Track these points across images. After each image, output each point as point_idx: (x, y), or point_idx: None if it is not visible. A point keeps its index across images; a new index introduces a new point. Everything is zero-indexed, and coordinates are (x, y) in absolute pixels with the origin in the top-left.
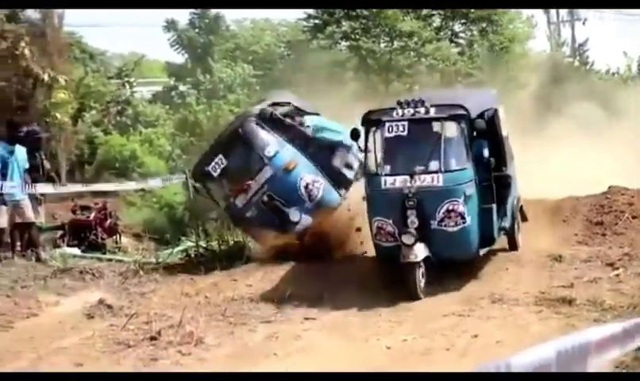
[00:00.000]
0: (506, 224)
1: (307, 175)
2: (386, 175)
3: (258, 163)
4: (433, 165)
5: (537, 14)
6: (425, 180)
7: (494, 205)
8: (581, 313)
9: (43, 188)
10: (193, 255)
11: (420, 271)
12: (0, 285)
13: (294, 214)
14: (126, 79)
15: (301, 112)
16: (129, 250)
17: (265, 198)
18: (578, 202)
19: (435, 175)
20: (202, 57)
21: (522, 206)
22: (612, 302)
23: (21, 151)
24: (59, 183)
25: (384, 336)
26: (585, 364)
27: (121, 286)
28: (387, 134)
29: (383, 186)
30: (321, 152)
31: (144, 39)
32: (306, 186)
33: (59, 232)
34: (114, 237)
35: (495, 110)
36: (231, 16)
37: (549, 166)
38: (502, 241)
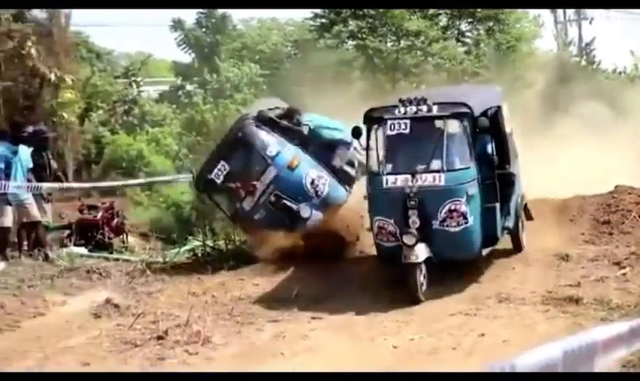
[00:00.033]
0: (510, 223)
1: (312, 171)
2: (387, 173)
3: (261, 164)
4: (435, 164)
5: (544, 14)
6: (426, 179)
7: (497, 204)
8: (588, 312)
9: (47, 187)
10: (200, 255)
11: (421, 272)
12: (7, 284)
13: (305, 210)
14: (133, 79)
15: (297, 112)
16: (136, 249)
17: (272, 198)
18: (585, 201)
19: (437, 175)
20: (208, 56)
21: (526, 205)
22: (619, 301)
23: (24, 151)
24: (65, 182)
25: (391, 335)
26: (592, 364)
27: (128, 286)
28: (388, 132)
29: (384, 186)
30: (321, 150)
31: (151, 38)
32: (312, 183)
33: (67, 232)
34: (121, 237)
35: (499, 107)
36: (238, 15)
37: (556, 165)
38: (507, 241)
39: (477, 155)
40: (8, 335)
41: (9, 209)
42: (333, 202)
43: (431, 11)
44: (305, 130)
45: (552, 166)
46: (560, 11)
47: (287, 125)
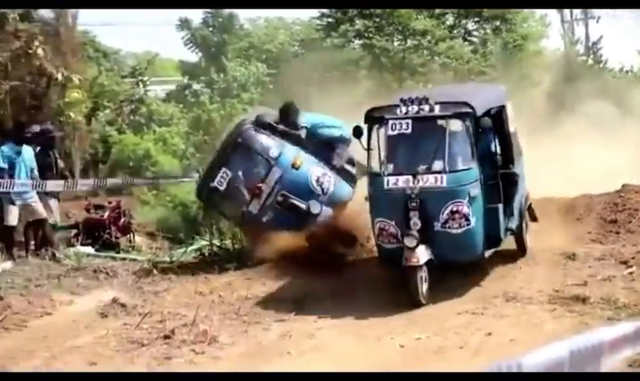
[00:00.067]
0: (514, 224)
1: (316, 168)
2: (388, 174)
3: (265, 166)
4: (437, 165)
5: (551, 13)
6: (428, 180)
7: (500, 205)
8: (595, 312)
9: (52, 186)
10: (207, 254)
11: (422, 275)
12: (14, 284)
13: (315, 206)
14: (140, 78)
15: (293, 109)
16: (143, 249)
17: (280, 199)
18: (592, 200)
19: (439, 176)
20: (215, 56)
21: (530, 205)
22: (626, 300)
23: (28, 151)
24: (73, 181)
25: (398, 334)
26: (598, 363)
27: (135, 285)
28: (390, 132)
29: (385, 187)
30: (321, 149)
31: (158, 38)
32: (317, 180)
33: (73, 231)
34: (128, 236)
35: (503, 107)
36: (245, 15)
37: (562, 164)
38: (511, 242)
39: (480, 155)
40: (15, 334)
41: (13, 209)
42: (339, 199)
43: (438, 10)
44: (302, 133)
45: (558, 165)
46: (566, 10)
47: (284, 130)
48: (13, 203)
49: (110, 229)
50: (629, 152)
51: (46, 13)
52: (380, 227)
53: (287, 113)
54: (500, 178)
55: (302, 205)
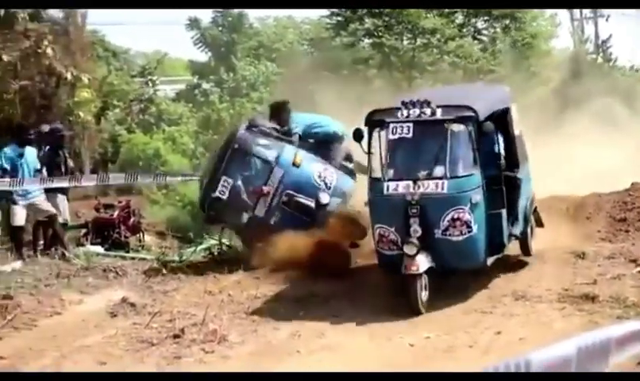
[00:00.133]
0: (518, 230)
1: (316, 164)
2: (388, 179)
3: (265, 168)
4: (438, 170)
5: (561, 11)
6: (429, 187)
7: (504, 211)
8: (604, 310)
9: (57, 182)
10: (216, 254)
11: (422, 283)
12: (24, 283)
13: (324, 196)
14: (149, 77)
15: (284, 108)
16: (153, 248)
17: (285, 198)
18: (601, 198)
19: (439, 182)
20: (225, 55)
21: (536, 209)
22: (635, 299)
23: (31, 152)
24: (77, 176)
25: (407, 333)
26: (606, 361)
27: (145, 285)
28: (390, 136)
29: (385, 192)
30: (317, 147)
31: (167, 37)
32: (320, 175)
33: (83, 231)
34: (138, 235)
35: (507, 109)
36: (254, 14)
37: (572, 162)
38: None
39: (483, 159)
40: (25, 334)
41: (18, 209)
42: (342, 192)
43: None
44: (295, 138)
45: (567, 163)
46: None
47: (277, 135)
48: (15, 203)
49: (120, 229)
50: (639, 150)
51: (55, 13)
52: (380, 233)
53: (278, 111)
54: (504, 183)
55: (309, 202)
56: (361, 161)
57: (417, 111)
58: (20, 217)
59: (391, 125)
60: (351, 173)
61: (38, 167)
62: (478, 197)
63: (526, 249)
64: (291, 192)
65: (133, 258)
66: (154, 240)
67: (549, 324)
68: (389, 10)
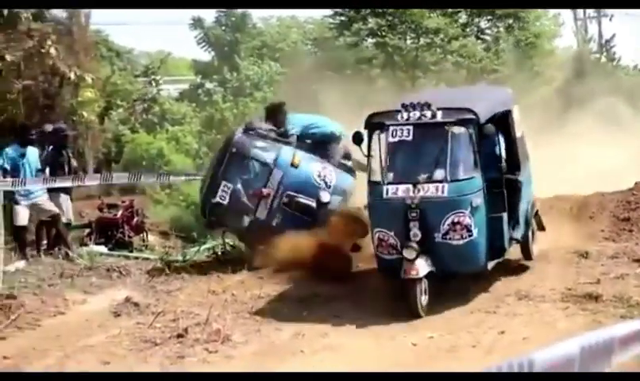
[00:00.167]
0: (519, 234)
1: (315, 164)
2: (388, 183)
3: (264, 170)
4: (438, 174)
5: (564, 10)
6: (429, 190)
7: (505, 214)
8: (608, 310)
9: (61, 181)
10: (220, 253)
11: (421, 288)
12: (27, 283)
13: (324, 195)
14: (153, 77)
15: (280, 115)
16: (156, 248)
17: (286, 200)
18: (604, 198)
19: (440, 185)
20: (228, 55)
21: (537, 212)
22: (639, 299)
23: (32, 153)
24: (80, 175)
25: (410, 333)
26: (609, 361)
27: (148, 284)
28: (390, 139)
29: (384, 196)
30: (314, 148)
31: (171, 37)
32: (319, 174)
33: (86, 231)
34: (141, 235)
35: (508, 111)
36: (257, 13)
37: (575, 162)
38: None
39: (484, 162)
40: (28, 333)
41: (20, 209)
42: (342, 190)
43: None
44: (293, 139)
45: (571, 163)
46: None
47: (274, 137)
48: (17, 203)
49: (123, 228)
50: None
51: (59, 13)
52: (379, 237)
53: (274, 113)
54: (505, 186)
55: (310, 202)
56: (360, 160)
57: (417, 114)
58: (22, 216)
59: (391, 128)
60: (350, 171)
61: (40, 167)
62: (479, 200)
63: (527, 253)
64: (292, 193)
65: (136, 258)
66: (157, 240)
67: (552, 323)
68: (392, 10)
